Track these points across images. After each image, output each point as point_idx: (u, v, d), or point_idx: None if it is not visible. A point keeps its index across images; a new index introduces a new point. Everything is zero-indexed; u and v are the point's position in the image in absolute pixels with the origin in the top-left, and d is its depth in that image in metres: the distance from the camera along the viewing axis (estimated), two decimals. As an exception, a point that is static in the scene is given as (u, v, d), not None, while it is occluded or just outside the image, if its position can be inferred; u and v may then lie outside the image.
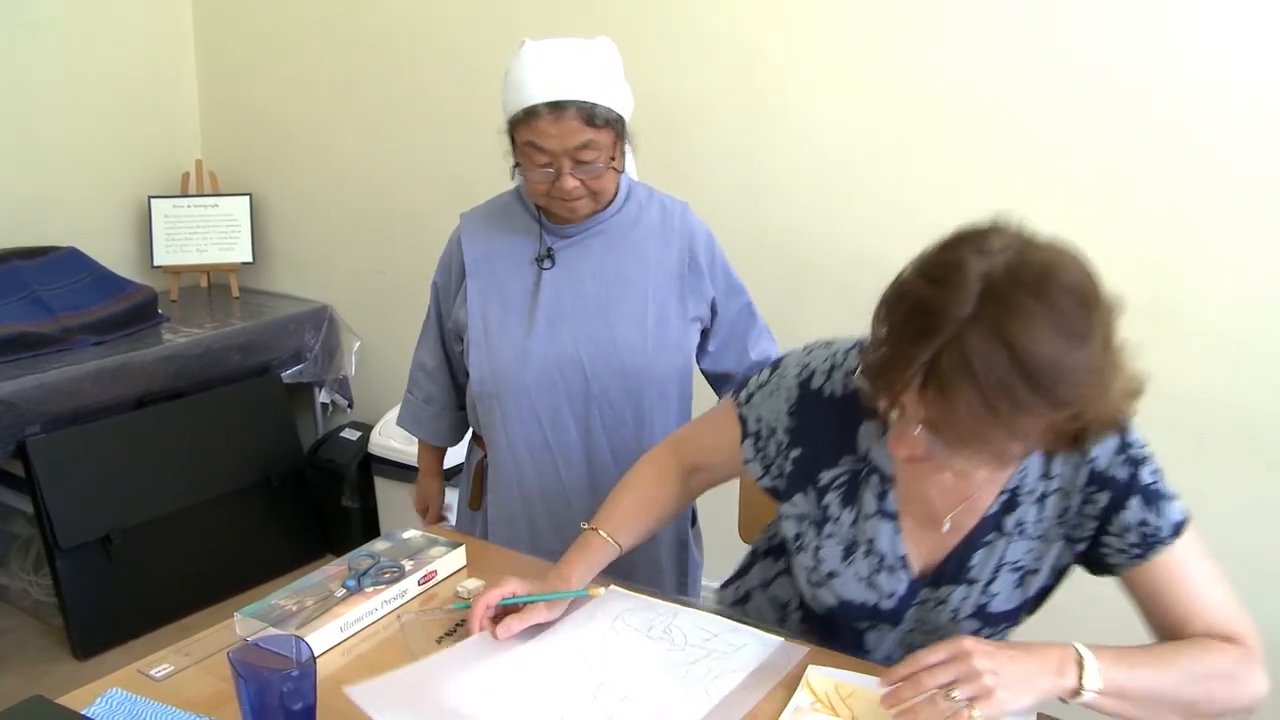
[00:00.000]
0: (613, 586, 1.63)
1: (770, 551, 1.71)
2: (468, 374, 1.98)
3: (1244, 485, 2.27)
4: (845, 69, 2.52)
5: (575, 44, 1.77)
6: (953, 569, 1.42)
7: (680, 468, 1.65)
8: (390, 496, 3.35)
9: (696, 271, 1.93)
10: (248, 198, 3.62)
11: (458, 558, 1.68)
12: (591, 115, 1.71)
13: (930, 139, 2.45)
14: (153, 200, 3.55)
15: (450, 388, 2.13)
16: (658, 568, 2.01)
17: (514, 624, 1.45)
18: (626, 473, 1.68)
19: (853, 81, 2.51)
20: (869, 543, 1.44)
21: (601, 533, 1.58)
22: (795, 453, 1.49)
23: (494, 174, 3.10)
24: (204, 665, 1.43)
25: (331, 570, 1.60)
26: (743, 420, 1.55)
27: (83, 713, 1.30)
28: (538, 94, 1.72)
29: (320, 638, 1.44)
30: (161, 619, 2.94)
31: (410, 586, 1.59)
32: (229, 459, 3.27)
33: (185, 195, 3.62)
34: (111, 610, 2.97)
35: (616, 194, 1.90)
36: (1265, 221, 2.14)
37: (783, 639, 1.49)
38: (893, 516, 1.43)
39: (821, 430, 1.47)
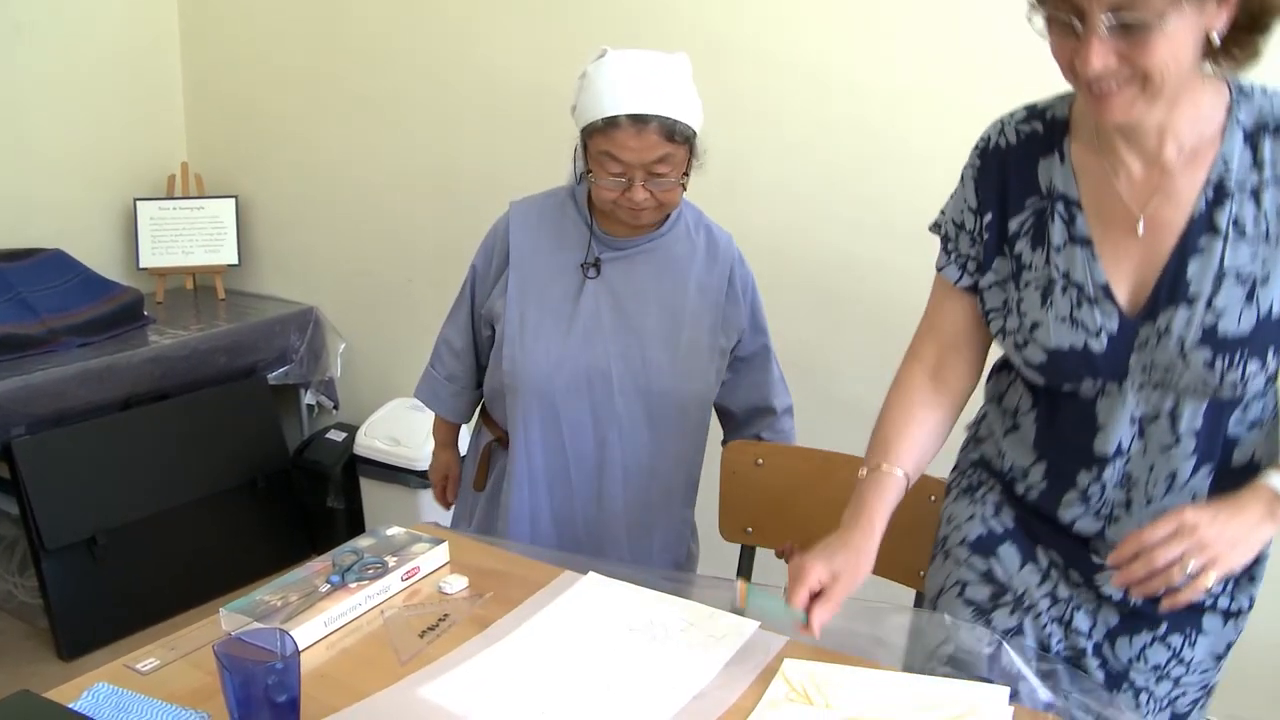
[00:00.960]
0: (592, 574, 1.66)
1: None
2: (489, 360, 2.04)
3: None
4: (821, 66, 2.55)
5: (657, 57, 1.79)
6: (1166, 288, 1.31)
7: (925, 369, 1.56)
8: (375, 497, 3.37)
9: (734, 302, 1.97)
10: (233, 200, 3.63)
11: (441, 554, 1.70)
12: (672, 131, 1.74)
13: (910, 136, 2.48)
14: (138, 202, 3.56)
15: (474, 368, 2.16)
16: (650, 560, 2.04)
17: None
18: (881, 409, 1.58)
19: (829, 78, 2.54)
20: (1064, 276, 1.37)
21: (883, 467, 1.48)
22: (985, 219, 1.45)
23: (478, 175, 3.15)
24: (190, 659, 1.45)
25: (316, 566, 1.63)
26: (944, 241, 1.53)
27: (69, 707, 1.32)
28: (621, 105, 1.73)
29: (304, 632, 1.46)
30: (147, 620, 2.94)
31: (393, 582, 1.61)
32: (215, 460, 3.28)
33: (171, 198, 3.63)
34: (97, 611, 2.98)
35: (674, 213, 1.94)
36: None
37: (758, 625, 1.51)
38: (1085, 241, 1.36)
39: (1004, 180, 1.43)
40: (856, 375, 2.63)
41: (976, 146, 1.49)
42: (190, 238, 3.61)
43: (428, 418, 3.29)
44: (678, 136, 1.74)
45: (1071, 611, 1.49)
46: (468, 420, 2.24)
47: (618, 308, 1.91)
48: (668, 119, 1.73)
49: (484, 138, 3.12)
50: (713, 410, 2.07)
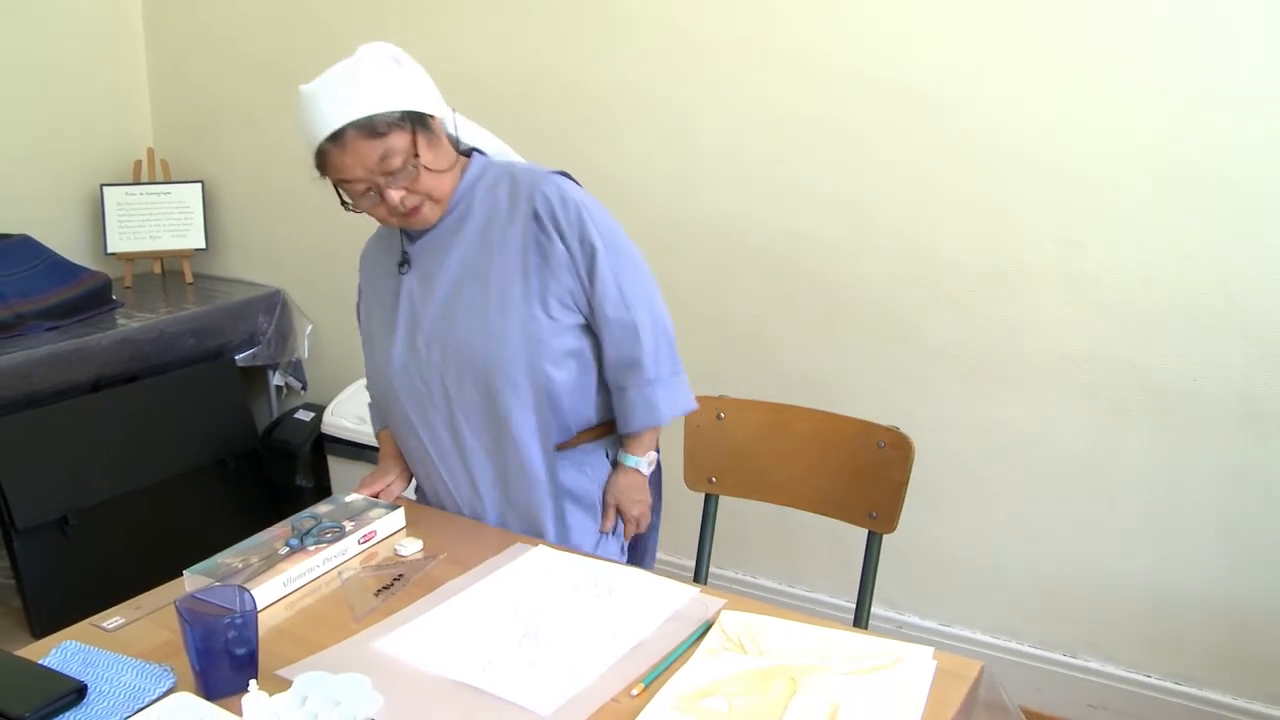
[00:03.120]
0: (541, 546, 1.73)
1: None
2: None
3: (1161, 449, 2.41)
4: (780, 50, 2.61)
5: (331, 71, 1.74)
6: None
7: None
8: (343, 475, 3.42)
9: (547, 238, 1.78)
10: (199, 185, 3.67)
11: (396, 519, 1.77)
12: (370, 127, 1.67)
13: (862, 118, 2.55)
14: (105, 188, 3.59)
15: None
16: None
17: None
18: None
19: (785, 62, 2.61)
20: None
21: None
22: None
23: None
24: (154, 618, 1.52)
25: (276, 531, 1.69)
26: None
27: (39, 662, 1.38)
28: (316, 133, 1.71)
29: (264, 592, 1.53)
30: (119, 598, 2.95)
31: (351, 546, 1.68)
32: (184, 441, 3.33)
33: (137, 183, 3.67)
34: (69, 590, 3.02)
35: (461, 183, 1.85)
36: (1167, 200, 2.27)
37: (699, 590, 1.59)
38: None
39: None
40: (801, 347, 2.71)
41: None
42: (157, 222, 3.65)
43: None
44: (381, 127, 1.67)
45: None
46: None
47: (428, 295, 1.84)
48: (359, 119, 1.67)
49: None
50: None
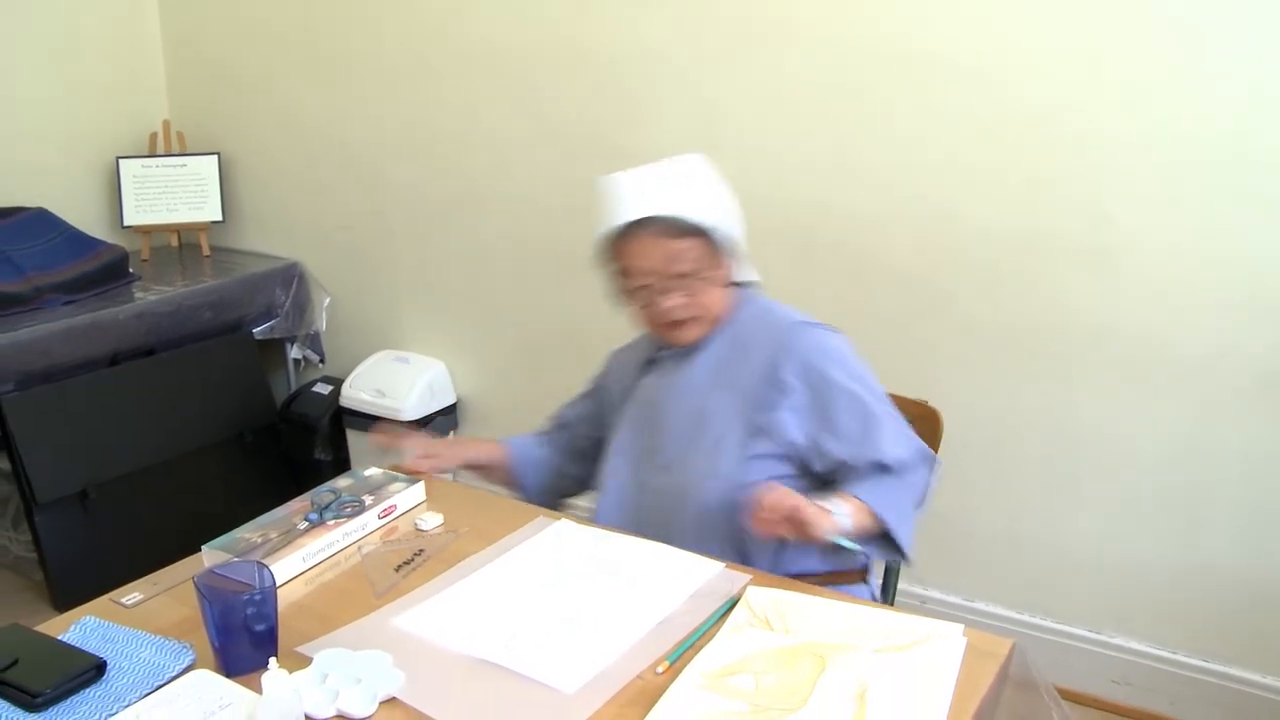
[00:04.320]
0: (564, 520, 1.71)
1: None
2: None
3: (1180, 423, 2.37)
4: (805, 19, 2.56)
5: (654, 166, 1.73)
6: None
7: None
8: (362, 449, 3.41)
9: (776, 391, 1.71)
10: (216, 157, 3.64)
11: (417, 492, 1.76)
12: (677, 226, 1.66)
13: (890, 88, 2.51)
14: (121, 161, 3.57)
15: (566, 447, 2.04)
16: None
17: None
18: None
19: (810, 31, 2.56)
20: None
21: None
22: None
23: (457, 131, 3.17)
24: (173, 594, 1.51)
25: (295, 505, 1.68)
26: None
27: (58, 638, 1.37)
28: (617, 216, 1.69)
29: (283, 567, 1.51)
30: (139, 572, 2.95)
31: (370, 520, 1.67)
32: (202, 415, 3.32)
33: (154, 155, 3.64)
34: (90, 563, 3.03)
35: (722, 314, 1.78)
36: (1199, 171, 2.22)
37: (724, 566, 1.57)
38: None
39: None
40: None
41: None
42: (174, 195, 3.63)
43: (411, 369, 3.37)
44: (683, 231, 1.65)
45: None
46: (529, 483, 2.02)
47: (669, 395, 1.79)
48: (666, 216, 1.65)
49: (463, 94, 3.14)
50: None
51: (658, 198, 1.67)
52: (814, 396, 1.69)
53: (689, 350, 1.79)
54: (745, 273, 1.84)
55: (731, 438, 1.71)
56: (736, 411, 1.72)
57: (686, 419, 1.76)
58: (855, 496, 1.62)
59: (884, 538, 1.66)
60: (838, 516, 1.56)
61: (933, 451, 1.76)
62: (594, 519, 1.78)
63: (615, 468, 1.83)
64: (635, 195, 1.68)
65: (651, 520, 1.74)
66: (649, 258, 1.67)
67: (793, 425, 1.69)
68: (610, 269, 1.74)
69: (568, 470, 2.02)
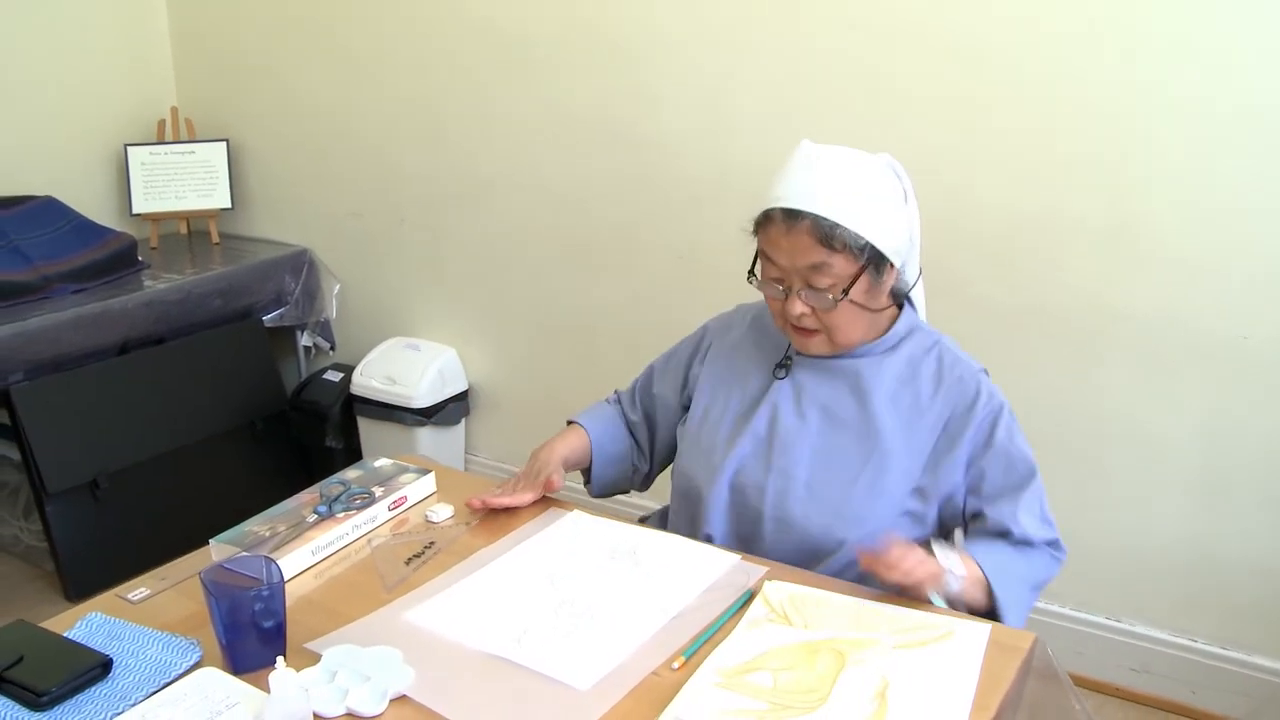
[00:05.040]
0: (576, 511, 1.68)
1: None
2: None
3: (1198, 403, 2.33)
4: (814, 1, 2.53)
5: (841, 153, 1.57)
6: None
7: None
8: (373, 436, 3.40)
9: (952, 442, 1.60)
10: (224, 143, 3.62)
11: (428, 484, 1.73)
12: (829, 234, 1.50)
13: (903, 65, 2.47)
14: (129, 148, 3.55)
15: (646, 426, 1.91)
16: None
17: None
18: None
19: (824, 10, 2.52)
20: None
21: None
22: None
23: (467, 117, 3.14)
24: (179, 589, 1.48)
25: (304, 497, 1.66)
26: None
27: (64, 635, 1.35)
28: (779, 199, 1.55)
29: (292, 561, 1.49)
30: (150, 561, 2.93)
31: (380, 512, 1.64)
32: (213, 403, 3.30)
33: (162, 142, 3.62)
34: (101, 553, 3.02)
35: (887, 333, 1.66)
36: (1221, 148, 2.18)
37: (740, 557, 1.54)
38: None
39: None
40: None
41: None
42: (182, 182, 3.61)
43: (423, 357, 3.35)
44: (836, 243, 1.50)
45: None
46: (598, 481, 1.89)
47: (798, 420, 1.65)
48: (825, 220, 1.50)
49: (474, 79, 3.11)
50: None
51: (828, 195, 1.51)
52: (976, 453, 1.60)
53: (840, 361, 1.66)
54: (914, 296, 1.73)
55: (896, 486, 1.60)
56: (908, 454, 1.60)
57: (840, 438, 1.63)
58: (977, 563, 1.50)
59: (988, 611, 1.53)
60: (950, 580, 1.44)
61: (1063, 545, 1.65)
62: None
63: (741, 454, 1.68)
64: (806, 182, 1.53)
65: (744, 505, 1.65)
66: (788, 255, 1.54)
67: (949, 481, 1.60)
68: (759, 245, 1.61)
69: (640, 467, 1.91)
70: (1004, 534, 1.58)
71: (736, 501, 1.66)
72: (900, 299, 1.70)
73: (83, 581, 2.98)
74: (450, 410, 3.36)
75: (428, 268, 3.42)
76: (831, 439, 1.63)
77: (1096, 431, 2.45)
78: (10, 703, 1.23)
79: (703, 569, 1.50)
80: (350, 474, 1.74)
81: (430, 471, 1.75)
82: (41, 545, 3.11)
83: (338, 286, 3.58)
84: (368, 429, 3.41)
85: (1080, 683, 2.50)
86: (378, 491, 1.67)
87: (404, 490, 1.68)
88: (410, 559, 1.54)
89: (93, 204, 3.46)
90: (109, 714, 1.21)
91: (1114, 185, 2.29)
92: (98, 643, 1.33)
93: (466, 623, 1.38)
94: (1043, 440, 2.49)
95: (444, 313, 3.44)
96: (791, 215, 1.52)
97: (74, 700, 1.24)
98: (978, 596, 1.49)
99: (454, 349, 3.39)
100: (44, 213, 3.20)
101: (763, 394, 1.69)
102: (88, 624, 1.39)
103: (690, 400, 1.80)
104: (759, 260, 1.62)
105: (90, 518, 3.01)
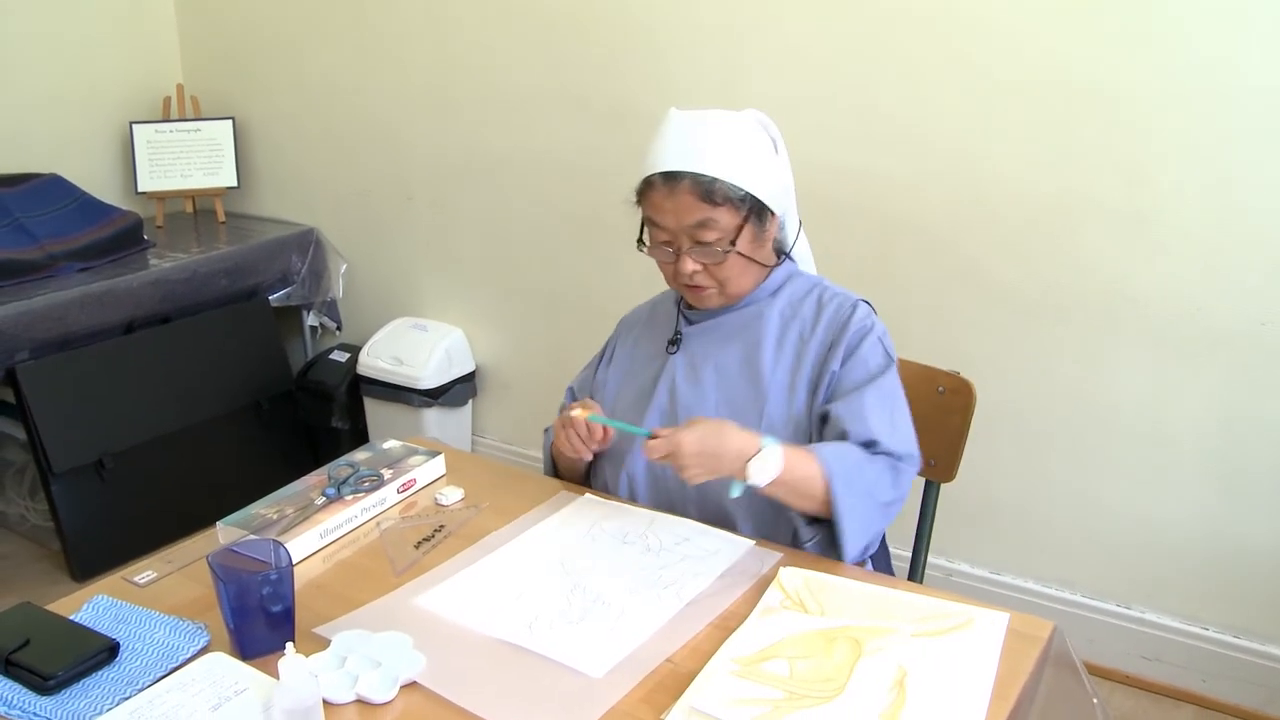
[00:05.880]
0: (588, 495, 1.66)
1: None
2: None
3: (1210, 389, 2.31)
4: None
5: (709, 114, 1.61)
6: None
7: None
8: (380, 416, 3.38)
9: (827, 362, 1.63)
10: (230, 121, 3.59)
11: (437, 466, 1.71)
12: (710, 190, 1.54)
13: (919, 49, 2.43)
14: (134, 126, 3.52)
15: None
16: None
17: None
18: None
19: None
20: None
21: None
22: None
23: (476, 93, 3.11)
24: (186, 572, 1.47)
25: (311, 480, 1.64)
26: None
27: (70, 618, 1.34)
28: (656, 163, 1.58)
29: (300, 544, 1.47)
30: (157, 541, 2.93)
31: (389, 494, 1.62)
32: (218, 383, 3.29)
33: (167, 120, 3.59)
34: (107, 533, 3.01)
35: (765, 283, 1.69)
36: (1240, 133, 2.15)
37: (754, 543, 1.52)
38: None
39: None
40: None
41: None
42: (188, 160, 3.58)
43: (430, 337, 3.33)
44: (718, 197, 1.54)
45: None
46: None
47: (695, 386, 1.69)
48: (703, 176, 1.54)
49: (483, 56, 3.07)
50: None
51: (703, 154, 1.55)
52: (843, 363, 1.62)
53: (721, 325, 1.69)
54: (796, 244, 1.74)
55: (786, 415, 1.63)
56: (792, 388, 1.63)
57: (735, 393, 1.66)
58: (819, 460, 1.49)
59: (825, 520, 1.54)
60: (756, 468, 1.43)
61: (914, 459, 1.61)
62: (629, 494, 1.70)
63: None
64: (681, 144, 1.57)
65: (665, 478, 1.66)
66: (674, 217, 1.57)
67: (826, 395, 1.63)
68: (643, 213, 1.64)
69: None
70: (844, 434, 1.56)
71: (656, 477, 1.67)
72: (783, 252, 1.73)
73: (88, 561, 2.97)
74: (457, 391, 3.34)
75: (435, 247, 3.40)
76: (729, 393, 1.66)
77: (1111, 417, 2.42)
78: (17, 686, 1.22)
79: (717, 554, 1.48)
80: (359, 456, 1.72)
81: (440, 454, 1.73)
82: (47, 525, 3.10)
83: (344, 266, 3.55)
84: (374, 410, 3.39)
85: (1091, 670, 2.48)
86: (386, 474, 1.65)
87: (413, 473, 1.67)
88: (420, 542, 1.52)
89: (97, 182, 3.43)
90: (116, 698, 1.19)
91: (1131, 170, 2.26)
92: (104, 626, 1.32)
93: (477, 608, 1.36)
94: (1056, 425, 2.49)
95: (452, 293, 3.41)
96: (671, 177, 1.56)
97: (81, 684, 1.22)
98: (811, 492, 1.48)
99: (461, 329, 3.37)
100: (49, 190, 3.18)
101: (660, 373, 1.73)
102: (94, 607, 1.37)
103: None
104: (645, 228, 1.65)
105: (96, 497, 3.00)
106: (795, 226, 1.72)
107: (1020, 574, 2.64)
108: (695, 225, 1.56)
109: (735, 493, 1.45)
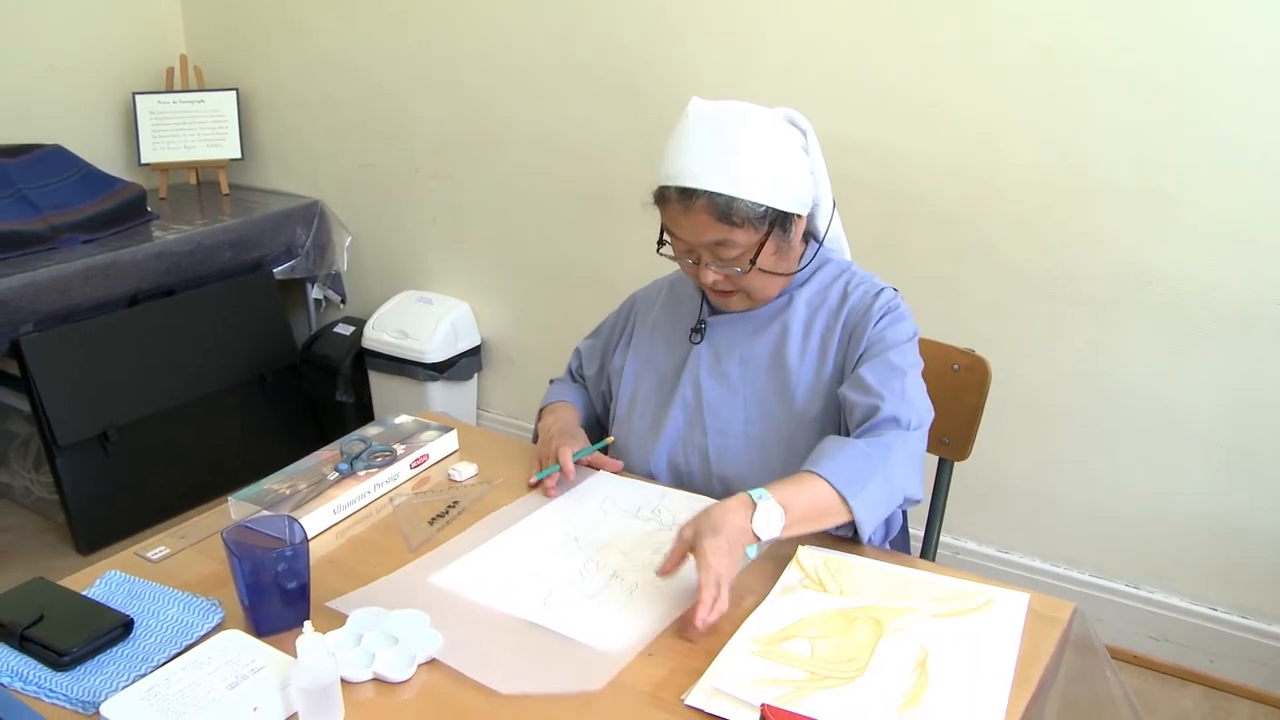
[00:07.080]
0: (602, 472, 1.65)
1: None
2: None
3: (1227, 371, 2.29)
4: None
5: (731, 116, 1.50)
6: None
7: None
8: (384, 390, 3.37)
9: (852, 346, 1.59)
10: (234, 93, 3.56)
11: (450, 441, 1.70)
12: (727, 211, 1.45)
13: (931, 26, 2.41)
14: (137, 96, 3.49)
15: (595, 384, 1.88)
16: None
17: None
18: None
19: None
20: None
21: None
22: None
23: (481, 64, 3.08)
24: (199, 548, 1.45)
25: (324, 455, 1.62)
26: None
27: (82, 593, 1.33)
28: (671, 174, 1.49)
29: (313, 520, 1.46)
30: (161, 514, 2.96)
31: (402, 470, 1.61)
32: (223, 356, 3.27)
33: (170, 91, 3.56)
34: (112, 506, 3.00)
35: (798, 274, 1.63)
36: (1254, 111, 2.12)
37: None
38: None
39: None
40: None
41: None
42: (191, 132, 3.55)
43: (435, 310, 3.31)
44: (736, 218, 1.46)
45: None
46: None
47: (721, 377, 1.64)
48: (720, 197, 1.45)
49: (490, 26, 3.04)
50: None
51: (722, 169, 1.45)
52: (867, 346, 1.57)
53: (748, 316, 1.64)
54: (833, 238, 1.69)
55: (817, 406, 1.59)
56: (819, 379, 1.60)
57: (761, 387, 1.62)
58: (828, 481, 1.41)
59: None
60: (758, 526, 1.34)
61: (923, 423, 1.55)
62: (646, 470, 1.68)
63: (674, 419, 1.67)
64: (699, 157, 1.47)
65: (689, 468, 1.65)
66: (692, 234, 1.50)
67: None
68: (661, 218, 1.56)
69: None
70: (853, 407, 1.52)
71: (680, 473, 1.65)
72: (814, 237, 1.66)
73: (94, 534, 2.97)
74: (463, 365, 3.32)
75: (441, 220, 3.38)
76: (756, 389, 1.62)
77: (1122, 397, 2.41)
78: (32, 662, 1.21)
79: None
80: (371, 431, 1.71)
81: (452, 429, 1.72)
82: (52, 497, 3.09)
83: (349, 239, 3.53)
84: (379, 383, 3.38)
85: (1098, 649, 2.49)
86: (399, 449, 1.64)
87: (426, 448, 1.65)
88: (434, 518, 1.51)
89: (100, 153, 3.40)
90: (132, 675, 1.18)
91: (1145, 150, 2.23)
92: (117, 602, 1.31)
93: (492, 585, 1.35)
94: (1066, 405, 2.48)
95: (457, 266, 3.39)
96: (686, 194, 1.47)
97: (96, 661, 1.21)
98: (827, 510, 1.41)
99: (467, 303, 3.36)
100: (52, 162, 3.15)
101: (683, 363, 1.67)
102: (106, 582, 1.36)
103: (609, 383, 1.79)
104: (663, 233, 1.57)
105: (100, 470, 2.99)
106: (829, 210, 1.65)
107: (1028, 553, 2.63)
108: (713, 244, 1.50)
109: (751, 555, 1.35)
